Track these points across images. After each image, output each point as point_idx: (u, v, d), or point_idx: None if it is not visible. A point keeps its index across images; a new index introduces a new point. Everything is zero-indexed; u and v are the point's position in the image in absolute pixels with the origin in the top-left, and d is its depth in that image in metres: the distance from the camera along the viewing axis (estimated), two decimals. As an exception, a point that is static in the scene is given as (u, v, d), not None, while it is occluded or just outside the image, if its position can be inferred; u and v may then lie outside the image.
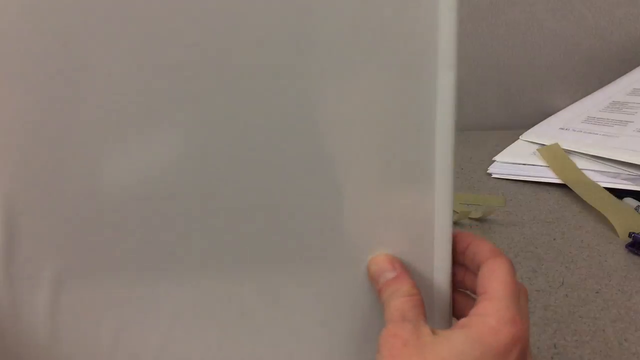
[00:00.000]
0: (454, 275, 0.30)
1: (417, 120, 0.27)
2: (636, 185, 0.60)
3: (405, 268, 0.28)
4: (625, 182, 0.61)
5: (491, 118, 0.90)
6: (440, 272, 0.29)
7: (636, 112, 0.72)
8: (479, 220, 0.57)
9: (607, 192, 0.60)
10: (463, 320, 0.25)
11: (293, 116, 0.26)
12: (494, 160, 0.73)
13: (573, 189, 0.62)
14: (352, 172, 0.27)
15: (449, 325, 0.30)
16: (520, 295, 0.26)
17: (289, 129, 0.27)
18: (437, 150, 0.27)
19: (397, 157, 0.27)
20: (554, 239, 0.53)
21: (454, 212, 0.50)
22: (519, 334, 0.24)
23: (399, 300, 0.26)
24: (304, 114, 0.26)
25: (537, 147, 0.73)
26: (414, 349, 0.24)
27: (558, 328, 0.40)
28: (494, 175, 0.69)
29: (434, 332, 0.25)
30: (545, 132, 0.77)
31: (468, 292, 0.31)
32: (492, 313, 0.24)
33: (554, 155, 0.69)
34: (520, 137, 0.78)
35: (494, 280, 0.26)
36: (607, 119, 0.74)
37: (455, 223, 0.57)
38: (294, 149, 0.27)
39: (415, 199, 0.28)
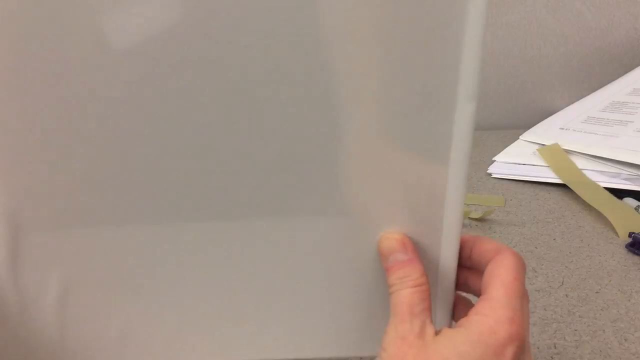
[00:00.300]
0: (457, 277, 0.30)
1: (436, 93, 0.25)
2: (636, 185, 0.60)
3: (417, 252, 0.28)
4: (625, 182, 0.61)
5: (491, 118, 0.90)
6: (445, 270, 0.29)
7: (636, 112, 0.72)
8: (479, 220, 0.57)
9: (607, 192, 0.60)
10: (463, 320, 0.25)
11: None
12: (494, 160, 0.73)
13: (573, 189, 0.62)
14: (366, 144, 0.27)
15: (449, 320, 0.31)
16: (521, 294, 0.26)
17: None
18: (455, 125, 0.26)
19: (413, 130, 0.26)
20: (554, 239, 0.53)
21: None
22: (515, 332, 0.24)
23: (408, 290, 0.26)
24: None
25: (537, 147, 0.73)
26: (418, 350, 0.24)
27: (558, 328, 0.40)
28: (494, 175, 0.69)
29: (436, 332, 0.25)
30: (545, 132, 0.77)
31: (468, 294, 0.31)
32: (490, 313, 0.25)
33: (554, 155, 0.69)
34: (520, 137, 0.78)
35: (494, 279, 0.26)
36: (607, 119, 0.74)
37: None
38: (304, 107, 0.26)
39: (428, 176, 0.27)
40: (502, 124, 0.90)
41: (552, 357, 0.37)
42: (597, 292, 0.44)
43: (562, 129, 0.76)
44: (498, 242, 0.28)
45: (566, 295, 0.44)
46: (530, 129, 0.80)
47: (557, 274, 0.47)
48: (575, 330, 0.40)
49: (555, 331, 0.40)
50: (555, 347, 0.38)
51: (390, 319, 0.26)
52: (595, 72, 0.87)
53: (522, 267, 0.27)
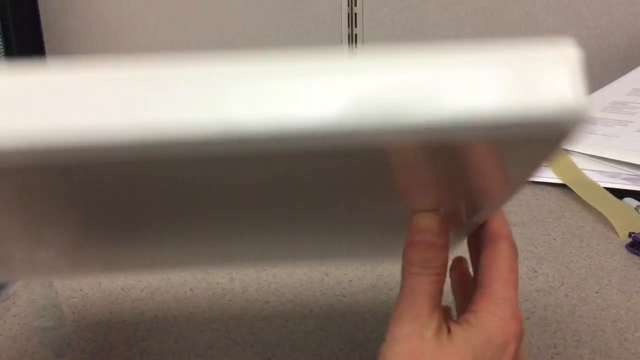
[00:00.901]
0: None
1: None
2: (636, 185, 0.60)
3: (447, 240, 0.26)
4: (625, 182, 0.61)
5: (491, 118, 0.90)
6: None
7: (636, 112, 0.72)
8: (479, 220, 0.57)
9: (607, 192, 0.60)
10: (469, 316, 0.25)
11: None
12: (494, 160, 0.73)
13: (573, 189, 0.62)
14: None
15: None
16: (517, 284, 0.26)
17: None
18: None
19: None
20: (554, 239, 0.53)
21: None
22: (518, 328, 0.24)
23: (429, 278, 0.25)
24: None
25: (537, 147, 0.73)
26: (436, 349, 0.24)
27: (558, 328, 0.40)
28: (494, 175, 0.69)
29: (448, 329, 0.25)
30: (545, 132, 0.77)
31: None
32: (495, 310, 0.25)
33: (554, 155, 0.69)
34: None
35: (492, 270, 0.26)
36: (607, 119, 0.74)
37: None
38: None
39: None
40: (502, 124, 0.90)
41: (552, 357, 0.37)
42: (597, 292, 0.44)
43: (562, 129, 0.76)
44: (495, 223, 0.28)
45: (566, 295, 0.44)
46: (530, 129, 0.80)
47: (557, 274, 0.47)
48: (575, 330, 0.40)
49: (555, 331, 0.40)
50: (555, 347, 0.38)
51: (402, 304, 0.25)
52: (595, 72, 0.87)
53: (516, 254, 0.27)
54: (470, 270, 0.31)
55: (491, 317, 0.24)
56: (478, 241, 0.29)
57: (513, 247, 0.27)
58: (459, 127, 0.15)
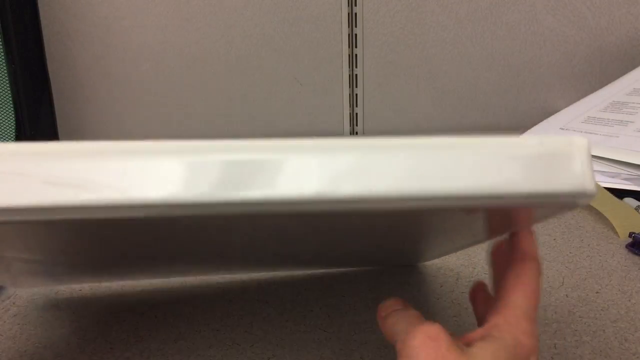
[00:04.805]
0: None
1: None
2: (636, 185, 0.60)
3: None
4: (625, 182, 0.61)
5: (491, 118, 0.90)
6: None
7: (636, 112, 0.72)
8: (479, 220, 0.57)
9: (607, 192, 0.60)
10: (492, 329, 0.25)
11: None
12: (494, 160, 0.73)
13: (573, 189, 0.62)
14: None
15: None
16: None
17: None
18: None
19: None
20: (554, 239, 0.53)
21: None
22: (536, 345, 0.25)
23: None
24: None
25: (537, 147, 0.73)
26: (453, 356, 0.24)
27: (558, 328, 0.40)
28: (494, 175, 0.69)
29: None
30: (545, 132, 0.77)
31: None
32: (519, 324, 0.25)
33: (554, 155, 0.69)
34: (520, 137, 0.78)
35: (520, 289, 0.27)
36: (607, 119, 0.74)
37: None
38: None
39: None
40: (502, 124, 0.90)
41: (552, 357, 0.37)
42: (597, 292, 0.44)
43: (562, 129, 0.76)
44: (526, 242, 0.29)
45: (566, 295, 0.44)
46: (530, 129, 0.80)
47: (557, 274, 0.47)
48: (576, 330, 0.40)
49: (555, 331, 0.40)
50: (555, 347, 0.38)
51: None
52: (595, 72, 0.87)
53: (540, 276, 0.28)
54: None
55: (514, 331, 0.25)
56: (502, 257, 0.29)
57: (539, 268, 0.28)
58: (507, 196, 0.22)
